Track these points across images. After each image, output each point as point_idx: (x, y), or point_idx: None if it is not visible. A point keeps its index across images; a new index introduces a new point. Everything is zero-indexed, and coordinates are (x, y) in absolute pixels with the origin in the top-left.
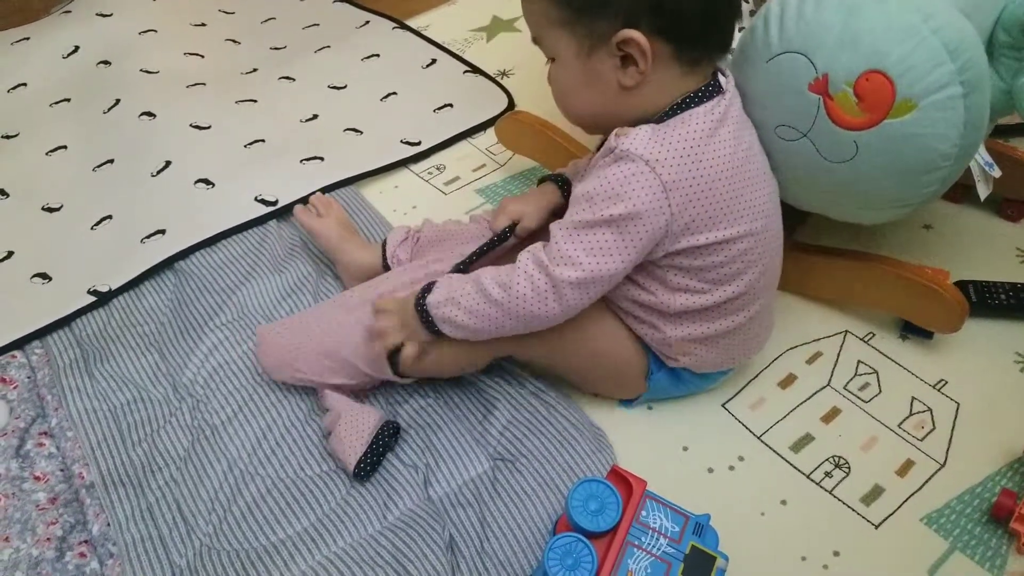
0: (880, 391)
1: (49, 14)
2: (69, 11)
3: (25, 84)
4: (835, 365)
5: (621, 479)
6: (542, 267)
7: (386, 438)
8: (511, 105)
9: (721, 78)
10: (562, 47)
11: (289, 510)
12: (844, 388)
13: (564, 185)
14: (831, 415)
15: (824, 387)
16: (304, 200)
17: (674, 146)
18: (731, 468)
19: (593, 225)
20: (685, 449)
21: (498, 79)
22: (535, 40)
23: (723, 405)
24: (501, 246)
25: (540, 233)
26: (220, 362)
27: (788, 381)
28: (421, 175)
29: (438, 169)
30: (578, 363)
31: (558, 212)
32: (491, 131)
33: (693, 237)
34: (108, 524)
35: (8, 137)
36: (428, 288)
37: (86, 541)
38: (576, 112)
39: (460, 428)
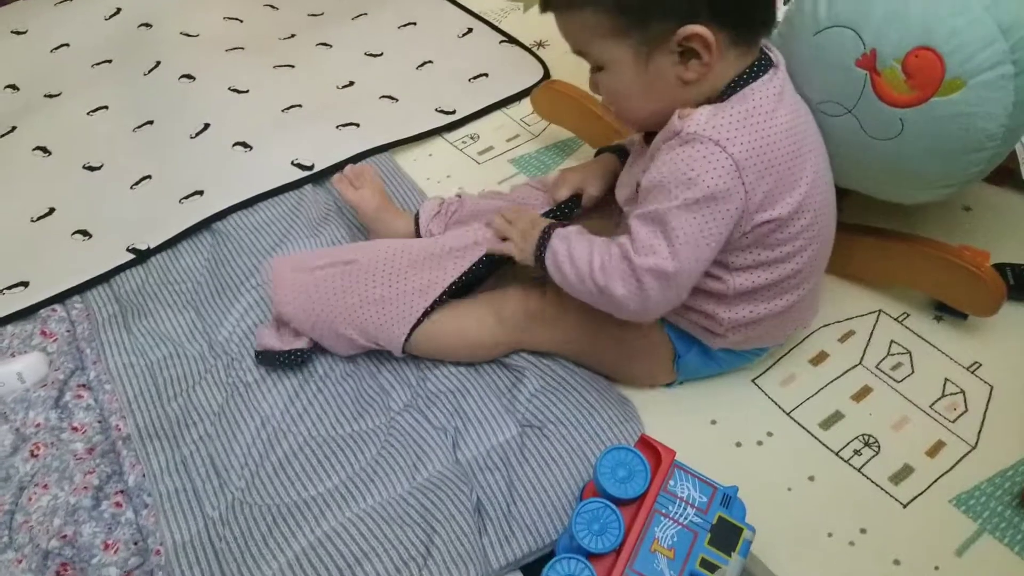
0: (913, 371)
1: None
2: None
3: (68, 44)
4: (867, 344)
5: (650, 448)
6: (629, 262)
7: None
8: (546, 76)
9: (770, 52)
10: (615, 56)
11: (320, 467)
12: (876, 367)
13: (623, 155)
14: (862, 394)
15: (856, 366)
16: (340, 168)
17: (740, 122)
18: (759, 443)
19: (671, 213)
20: (713, 423)
21: (534, 50)
22: (578, 53)
23: (753, 380)
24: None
25: (604, 204)
26: (255, 322)
27: (820, 358)
28: (455, 144)
29: (472, 138)
30: (602, 351)
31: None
32: (526, 102)
33: (766, 213)
34: (143, 475)
35: (50, 96)
36: (561, 224)
37: (122, 491)
38: (636, 116)
39: (489, 394)
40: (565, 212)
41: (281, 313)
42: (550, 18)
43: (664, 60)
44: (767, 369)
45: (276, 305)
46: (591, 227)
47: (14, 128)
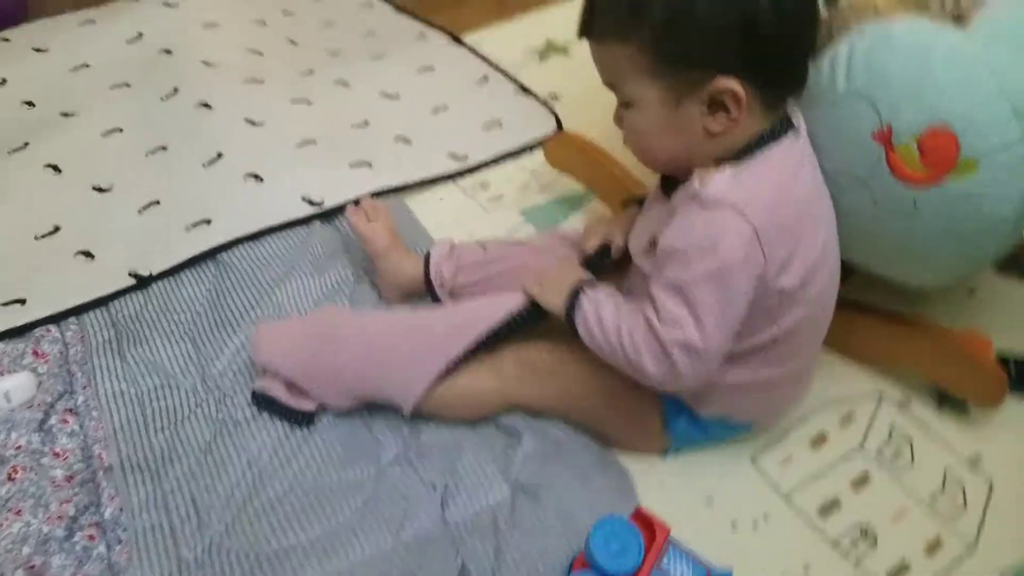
0: (913, 460)
1: (116, 0)
2: None
3: (88, 65)
4: (868, 428)
5: (644, 522)
6: (656, 335)
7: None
8: (559, 128)
9: (792, 115)
10: (645, 94)
11: (304, 515)
12: (877, 453)
13: None
14: (861, 481)
15: (856, 449)
16: (355, 202)
17: (760, 188)
18: (755, 525)
19: (693, 285)
20: (710, 500)
21: (548, 102)
22: (609, 85)
23: (751, 458)
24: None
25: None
26: (251, 359)
27: (819, 440)
28: (466, 190)
29: (482, 186)
30: (595, 408)
31: None
32: (538, 152)
33: (780, 280)
34: (121, 509)
35: (66, 115)
36: (593, 283)
37: (97, 523)
38: (653, 156)
39: (483, 452)
40: (595, 263)
41: (266, 361)
42: (565, 71)
43: (692, 108)
44: (766, 447)
45: (258, 351)
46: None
47: (27, 144)
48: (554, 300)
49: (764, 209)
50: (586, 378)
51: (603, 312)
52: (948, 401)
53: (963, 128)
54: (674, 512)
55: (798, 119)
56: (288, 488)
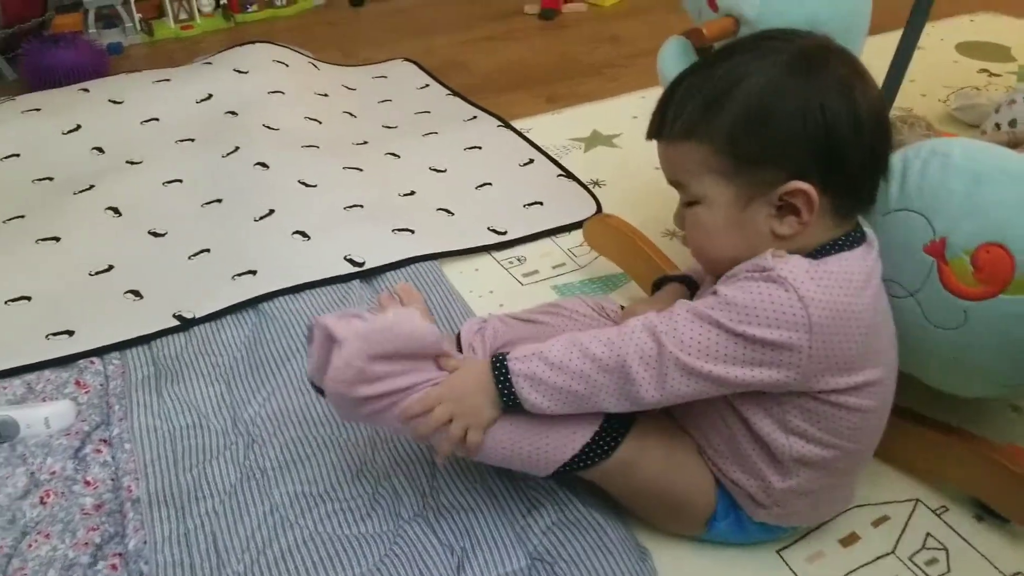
0: (949, 570)
1: (192, 63)
2: (210, 63)
3: (157, 119)
4: (902, 533)
5: None
6: (654, 335)
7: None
8: (598, 212)
9: (865, 228)
10: (714, 194)
11: (321, 565)
12: (909, 559)
13: (690, 285)
14: None
15: (888, 554)
16: (390, 268)
17: (831, 289)
18: None
19: (723, 330)
20: None
21: (590, 187)
22: (675, 184)
23: (778, 552)
24: None
25: None
26: (280, 407)
27: (850, 540)
28: (502, 263)
29: (519, 260)
30: (642, 493)
31: None
32: (575, 233)
33: (823, 381)
34: (145, 542)
35: (132, 163)
36: (504, 354)
37: (120, 554)
38: (715, 256)
39: (501, 518)
40: None
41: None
42: (608, 160)
43: (761, 210)
44: (794, 542)
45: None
46: None
47: (92, 186)
48: (482, 403)
49: (827, 309)
50: (648, 465)
51: (550, 354)
52: (989, 514)
53: (1020, 247)
54: None
55: (871, 234)
56: (307, 537)
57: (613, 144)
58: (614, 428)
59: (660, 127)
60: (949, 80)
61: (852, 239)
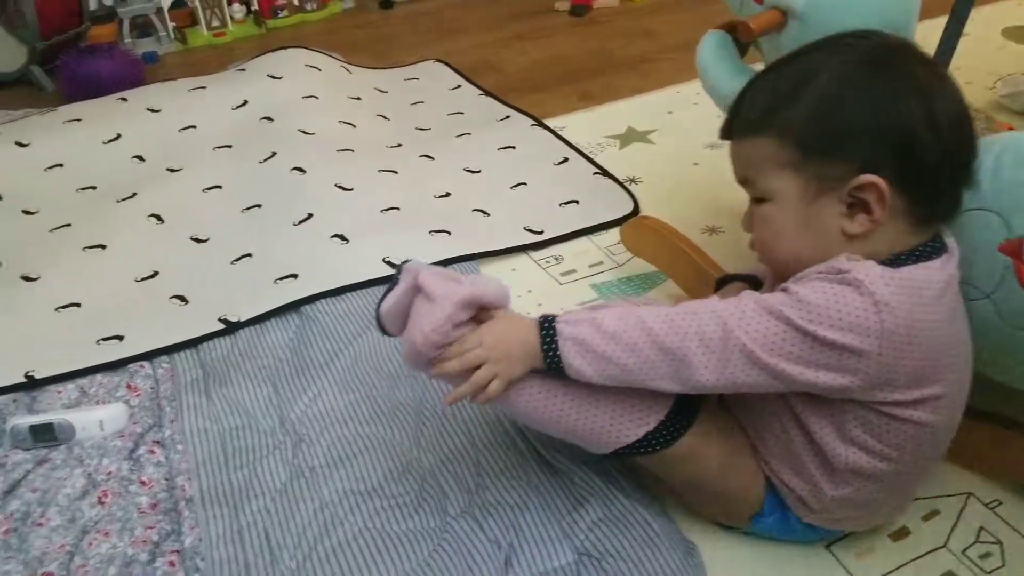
0: (1004, 564)
1: (226, 69)
2: (244, 69)
3: (195, 127)
4: (954, 527)
5: None
6: (721, 320)
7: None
8: (636, 210)
9: (946, 238)
10: (783, 189)
11: (372, 560)
12: (962, 553)
13: (755, 285)
14: None
15: (940, 548)
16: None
17: (905, 298)
18: None
19: (793, 327)
20: None
21: (626, 184)
22: (744, 181)
23: (827, 547)
24: None
25: None
26: (326, 407)
27: (901, 534)
28: (539, 262)
29: (556, 259)
30: (694, 484)
31: None
32: (612, 231)
33: (887, 392)
34: (200, 539)
35: (172, 170)
36: (553, 316)
37: (177, 551)
38: (781, 256)
39: (548, 514)
40: None
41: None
42: (644, 157)
43: (831, 206)
44: (843, 537)
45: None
46: None
47: (135, 194)
48: (518, 357)
49: (902, 317)
50: (701, 457)
51: (604, 322)
52: None
53: None
54: None
55: (952, 243)
56: (357, 533)
57: (649, 140)
58: (679, 418)
59: (731, 125)
60: (995, 66)
61: (931, 249)
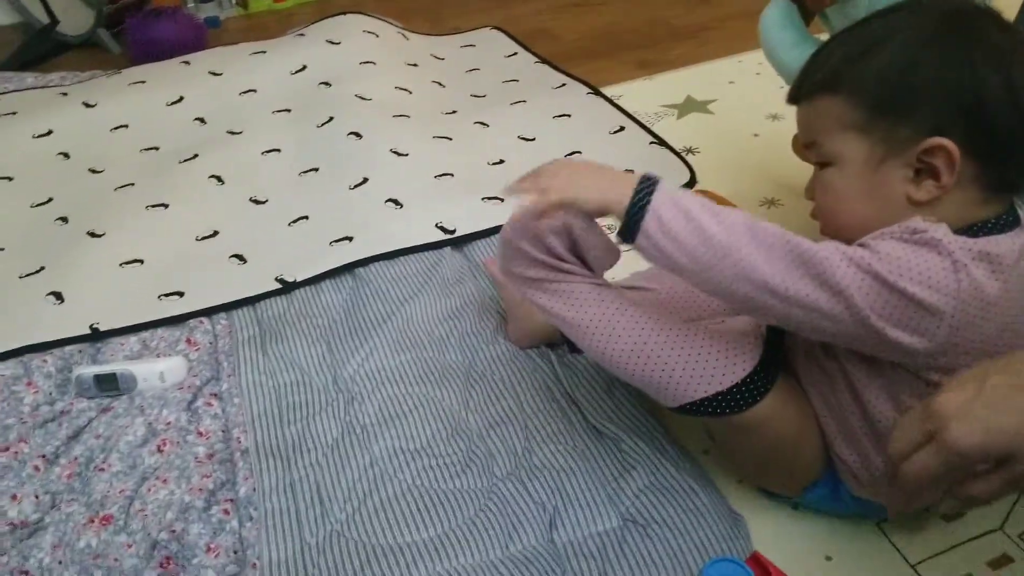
0: None
1: (286, 34)
2: (303, 34)
3: (255, 91)
4: (1011, 511)
5: (760, 567)
6: (797, 251)
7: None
8: (692, 180)
9: (1020, 210)
10: (849, 152)
11: (419, 516)
12: (1019, 537)
13: None
14: (1001, 562)
15: (995, 531)
16: (480, 236)
17: (983, 264)
18: None
19: (869, 272)
20: (828, 559)
21: (683, 155)
22: (810, 145)
23: (877, 524)
24: None
25: None
26: (378, 367)
27: (954, 515)
28: None
29: (610, 228)
30: (760, 450)
31: None
32: None
33: (948, 359)
34: (254, 489)
35: (232, 133)
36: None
37: (231, 500)
38: (844, 224)
39: (593, 480)
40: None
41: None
42: (703, 127)
43: (896, 171)
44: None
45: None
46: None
47: (196, 156)
48: (593, 185)
49: (975, 283)
50: (791, 428)
51: (687, 200)
52: None
53: None
54: (788, 564)
55: None
56: (405, 489)
57: (708, 110)
58: (758, 381)
59: (799, 87)
60: None
61: (1004, 223)
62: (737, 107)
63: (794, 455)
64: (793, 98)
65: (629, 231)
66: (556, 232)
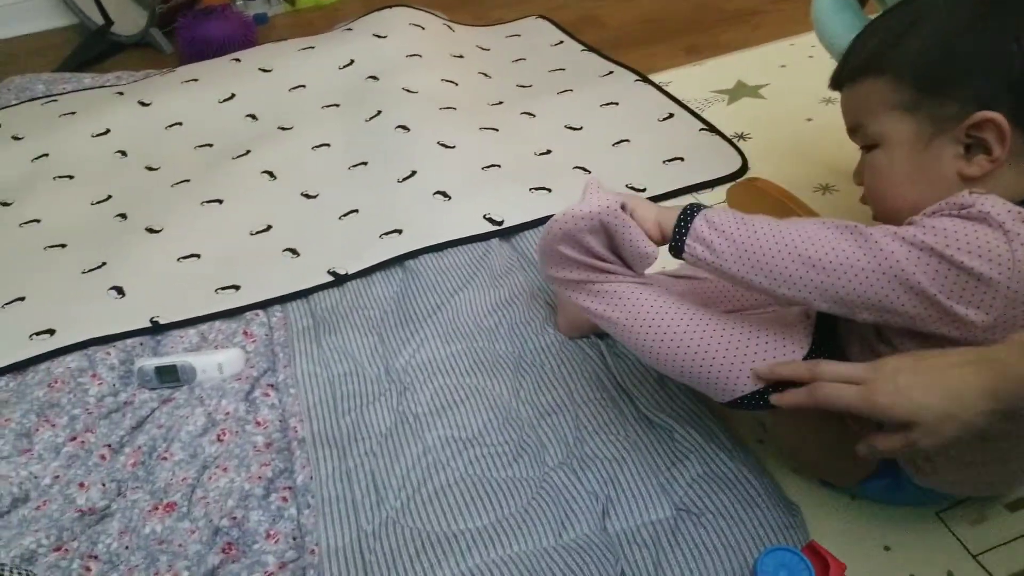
0: None
1: (333, 29)
2: (351, 29)
3: (304, 86)
4: None
5: (818, 557)
6: (859, 232)
7: None
8: (744, 167)
9: None
10: (895, 132)
11: (472, 504)
12: None
13: None
14: None
15: None
16: (528, 227)
17: None
18: None
19: (924, 249)
20: (887, 548)
21: (734, 141)
22: (854, 128)
23: (937, 513)
24: None
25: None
26: (429, 357)
27: (1018, 504)
28: None
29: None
30: (815, 440)
31: None
32: (719, 189)
33: (1002, 334)
34: (311, 477)
35: (283, 128)
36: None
37: (289, 488)
38: (894, 205)
39: (645, 469)
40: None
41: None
42: (754, 112)
43: (946, 148)
44: (954, 505)
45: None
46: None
47: (248, 151)
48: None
49: None
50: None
51: (737, 214)
52: None
53: None
54: (846, 554)
55: None
56: (459, 478)
57: (759, 95)
58: None
59: (842, 71)
60: None
61: None
62: (790, 91)
63: (850, 446)
64: (836, 83)
65: (678, 239)
66: (593, 231)
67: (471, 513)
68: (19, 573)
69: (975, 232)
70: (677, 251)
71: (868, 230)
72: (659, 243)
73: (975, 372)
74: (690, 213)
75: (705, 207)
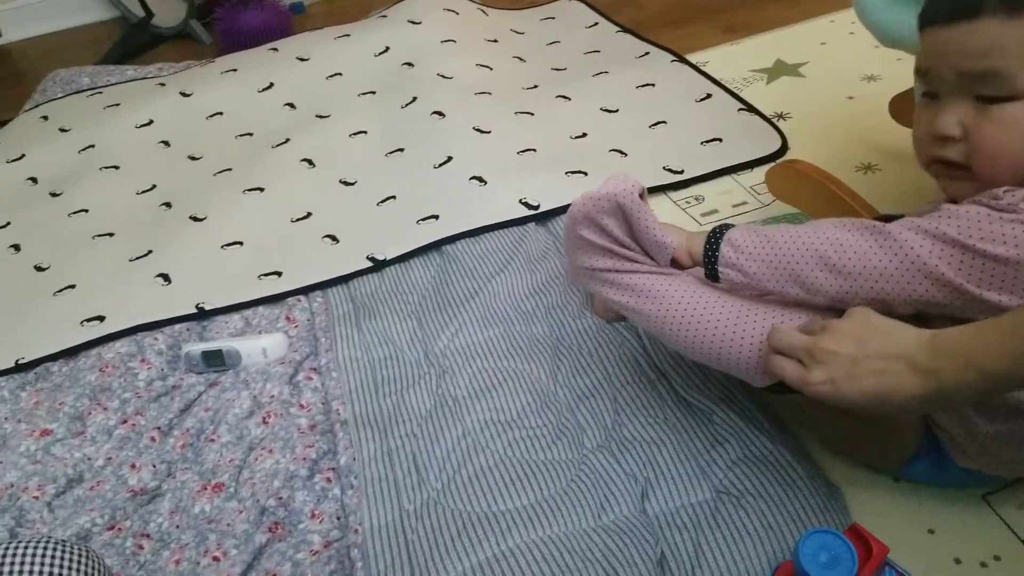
0: None
1: (368, 17)
2: (385, 16)
3: (341, 74)
4: None
5: (860, 539)
6: (879, 231)
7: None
8: (783, 147)
9: None
10: None
11: (512, 486)
12: None
13: None
14: None
15: None
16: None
17: None
18: (983, 564)
19: (937, 236)
20: (931, 532)
21: (774, 120)
22: (979, 76)
23: (983, 497)
24: None
25: None
26: (468, 341)
27: None
28: (678, 203)
29: (696, 199)
30: (855, 422)
31: None
32: (758, 170)
33: None
34: (354, 459)
35: (321, 116)
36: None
37: (333, 469)
38: (1012, 165)
39: (684, 452)
40: None
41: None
42: (794, 91)
43: None
44: (1002, 488)
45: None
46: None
47: (287, 140)
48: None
49: None
50: None
51: (763, 230)
52: None
53: None
54: (890, 538)
55: None
56: (498, 460)
57: (799, 73)
58: None
59: (965, 5)
60: None
61: None
62: (830, 69)
63: (891, 428)
64: (968, 8)
65: (710, 266)
66: (611, 213)
67: (511, 494)
68: (76, 550)
69: (999, 220)
70: (713, 278)
71: (887, 227)
72: (691, 268)
73: (910, 379)
74: (715, 239)
75: (730, 227)
